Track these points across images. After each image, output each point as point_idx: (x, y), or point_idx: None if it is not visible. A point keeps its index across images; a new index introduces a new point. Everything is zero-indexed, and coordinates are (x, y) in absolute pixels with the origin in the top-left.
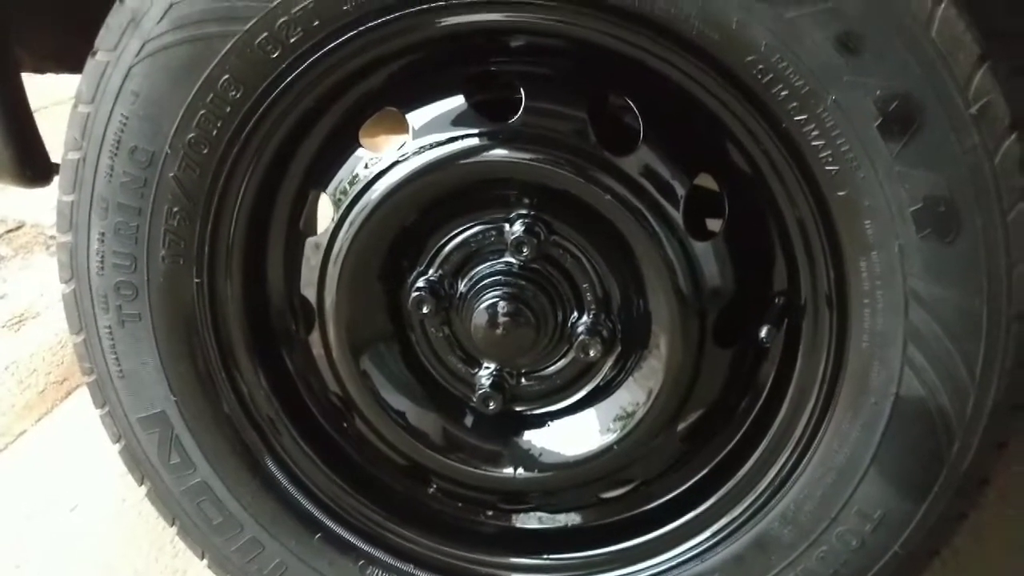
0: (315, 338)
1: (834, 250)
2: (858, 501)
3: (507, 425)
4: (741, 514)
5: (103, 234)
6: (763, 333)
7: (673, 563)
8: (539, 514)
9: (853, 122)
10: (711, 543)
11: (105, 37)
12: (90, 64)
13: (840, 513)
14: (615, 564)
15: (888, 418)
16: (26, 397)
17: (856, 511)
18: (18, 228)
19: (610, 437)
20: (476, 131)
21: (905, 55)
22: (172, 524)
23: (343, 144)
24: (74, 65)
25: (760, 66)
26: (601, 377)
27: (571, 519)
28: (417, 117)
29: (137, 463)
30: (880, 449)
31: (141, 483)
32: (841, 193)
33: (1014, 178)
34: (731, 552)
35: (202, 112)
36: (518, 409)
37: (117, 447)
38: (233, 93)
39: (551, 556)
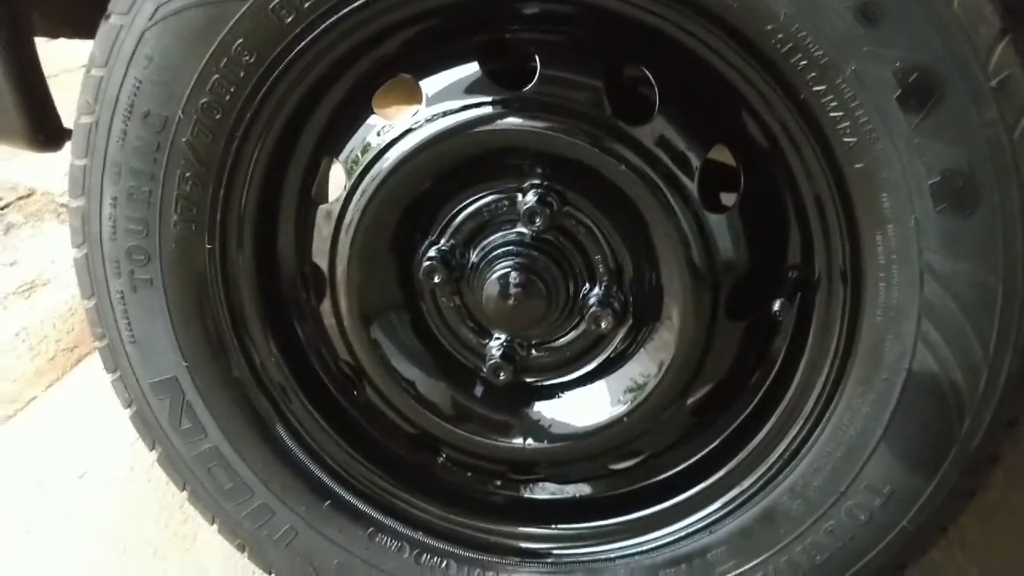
0: (326, 306)
1: (850, 224)
2: (867, 476)
3: (517, 396)
4: (750, 487)
5: (115, 199)
6: (776, 307)
7: (681, 534)
8: (548, 484)
9: (872, 93)
10: (719, 515)
11: (118, 1)
12: (103, 28)
13: (849, 488)
14: (624, 534)
15: (900, 394)
16: (36, 364)
17: (865, 486)
18: (29, 195)
19: (620, 409)
20: (490, 99)
21: (926, 26)
22: (183, 489)
23: (356, 111)
24: (88, 30)
25: (779, 35)
26: (612, 349)
27: (580, 490)
28: (431, 84)
29: (148, 428)
30: (891, 425)
31: (152, 448)
32: (858, 165)
33: None
34: (739, 525)
35: (215, 77)
36: (529, 380)
37: (128, 412)
38: (247, 58)
39: (560, 526)
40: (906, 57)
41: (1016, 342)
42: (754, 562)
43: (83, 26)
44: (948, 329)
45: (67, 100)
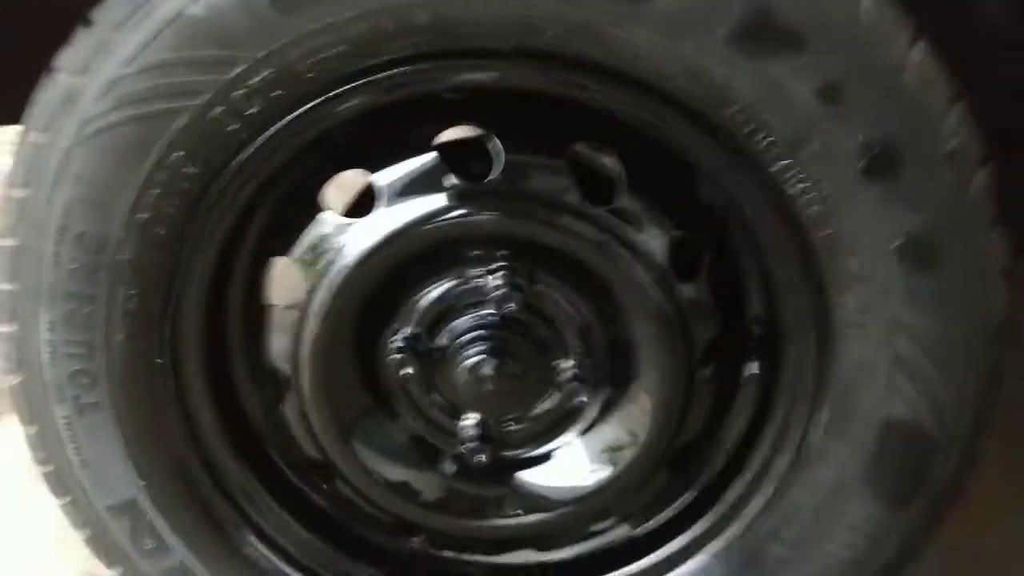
0: (289, 407)
1: (819, 286)
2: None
3: (497, 473)
4: (733, 537)
5: (52, 323)
6: (753, 366)
7: None
8: (530, 552)
9: (836, 166)
10: (704, 568)
11: (37, 116)
12: (21, 145)
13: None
14: None
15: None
16: None
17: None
18: None
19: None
20: (453, 189)
21: (883, 101)
22: None
23: (304, 208)
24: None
25: (743, 117)
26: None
27: (561, 555)
28: (387, 177)
29: (106, 552)
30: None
31: (110, 567)
32: (825, 233)
33: (986, 209)
34: (726, 573)
35: (156, 192)
36: (507, 455)
37: (82, 536)
38: (189, 169)
39: None
40: (867, 132)
41: (979, 387)
42: None
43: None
44: (919, 379)
45: None
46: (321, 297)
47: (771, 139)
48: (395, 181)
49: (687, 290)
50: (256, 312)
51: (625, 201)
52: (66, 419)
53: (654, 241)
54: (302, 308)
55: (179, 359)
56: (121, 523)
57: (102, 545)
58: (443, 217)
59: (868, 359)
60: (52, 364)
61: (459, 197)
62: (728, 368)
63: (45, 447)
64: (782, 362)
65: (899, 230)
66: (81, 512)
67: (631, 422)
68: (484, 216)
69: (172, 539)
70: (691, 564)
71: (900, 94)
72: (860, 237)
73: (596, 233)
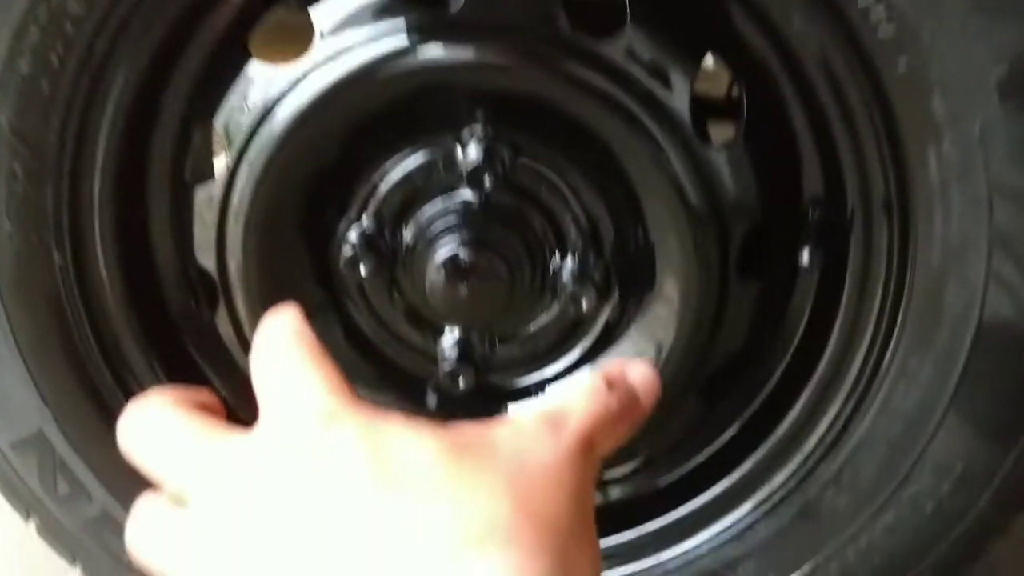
0: (223, 317)
1: (892, 142)
2: (933, 455)
3: (484, 402)
4: (784, 483)
5: None
6: (804, 257)
7: (701, 550)
8: None
9: None
10: (747, 522)
11: None
12: None
13: (911, 472)
14: (627, 557)
15: (969, 350)
16: None
17: (931, 467)
18: None
19: None
20: (408, 23)
21: None
22: (73, 563)
23: (229, 58)
24: None
25: None
26: (597, 332)
27: None
28: (324, 13)
29: (19, 497)
30: (959, 389)
31: (27, 519)
32: (901, 65)
33: None
34: (773, 530)
35: (33, 28)
36: (496, 382)
37: None
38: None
39: None
40: None
41: None
42: (797, 573)
43: None
44: None
45: None
46: (245, 176)
47: None
48: (333, 16)
49: (717, 160)
50: (180, 195)
51: (631, 32)
52: None
53: (672, 91)
54: (226, 188)
55: (84, 258)
56: (28, 461)
57: (14, 491)
58: (397, 63)
59: (958, 241)
60: None
61: (417, 32)
62: (774, 265)
63: None
64: (844, 254)
65: (1003, 54)
66: None
67: (649, 339)
68: (443, 57)
69: (90, 481)
70: (729, 518)
71: None
72: (948, 67)
73: (593, 76)
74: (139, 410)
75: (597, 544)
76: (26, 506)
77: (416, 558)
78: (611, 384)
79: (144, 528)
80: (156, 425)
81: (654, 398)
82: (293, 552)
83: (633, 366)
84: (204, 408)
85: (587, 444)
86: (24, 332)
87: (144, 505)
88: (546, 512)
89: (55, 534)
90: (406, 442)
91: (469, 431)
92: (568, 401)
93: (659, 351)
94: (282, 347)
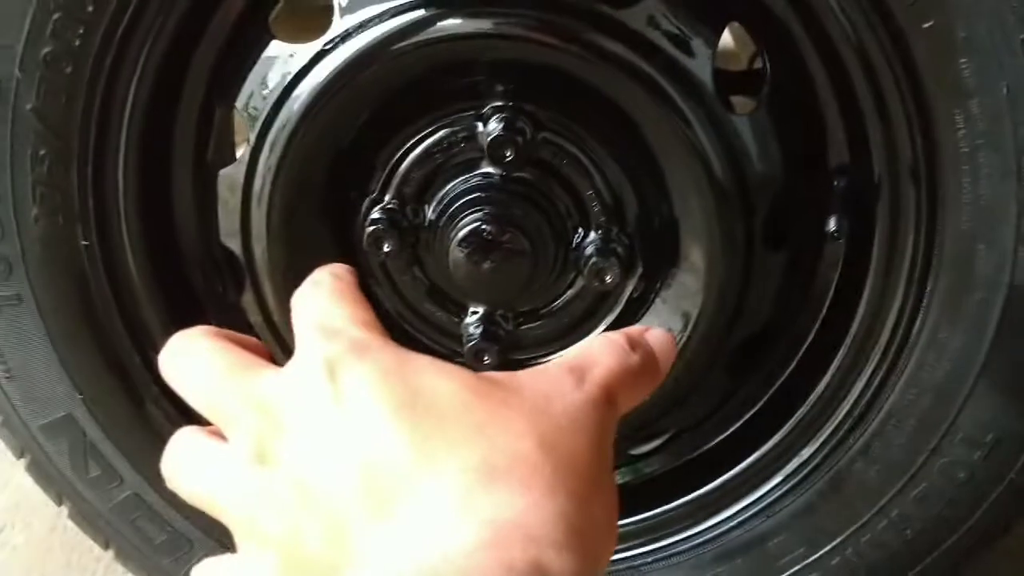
0: (249, 300)
1: (919, 105)
2: (964, 424)
3: None
4: (812, 455)
5: None
6: (831, 225)
7: (731, 524)
8: None
9: None
10: (776, 495)
11: None
12: None
13: (942, 441)
14: (656, 532)
15: (1001, 315)
16: None
17: (962, 437)
18: None
19: None
20: None
21: None
22: (106, 548)
23: (251, 39)
24: None
25: None
26: (621, 306)
27: None
28: None
29: (50, 481)
30: (991, 357)
31: (59, 503)
32: (927, 24)
33: None
34: (804, 503)
35: (57, 16)
36: (520, 359)
37: (23, 463)
38: None
39: None
40: None
41: None
42: (828, 547)
43: None
44: None
45: None
46: (267, 157)
47: None
48: None
49: (741, 127)
50: (204, 178)
51: (651, 0)
52: None
53: (695, 59)
54: (248, 171)
55: (110, 241)
56: (59, 445)
57: (44, 475)
58: (415, 36)
59: (987, 205)
60: None
61: (435, 4)
62: (801, 235)
63: None
64: (872, 222)
65: None
66: (16, 434)
67: (675, 312)
68: (462, 29)
69: (121, 464)
70: (759, 492)
71: None
72: (974, 29)
73: (614, 45)
74: (183, 340)
75: (614, 492)
76: (58, 491)
77: (436, 483)
78: (632, 344)
79: (182, 458)
80: (198, 354)
81: (671, 362)
82: (328, 479)
83: (652, 330)
84: (246, 347)
85: (608, 395)
86: (51, 315)
87: (182, 436)
88: (565, 454)
89: (87, 518)
90: (436, 375)
91: (496, 374)
92: (592, 353)
93: (686, 324)
94: (324, 286)
